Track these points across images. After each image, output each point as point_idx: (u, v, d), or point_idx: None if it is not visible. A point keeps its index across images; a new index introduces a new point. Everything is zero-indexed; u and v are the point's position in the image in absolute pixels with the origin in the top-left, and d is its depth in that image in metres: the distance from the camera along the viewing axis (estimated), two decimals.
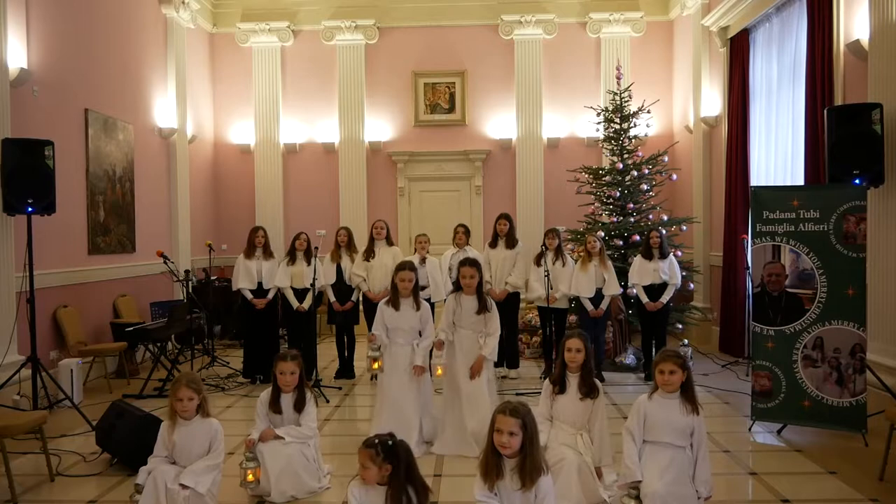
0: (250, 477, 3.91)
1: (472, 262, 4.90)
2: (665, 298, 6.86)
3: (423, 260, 6.80)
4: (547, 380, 4.09)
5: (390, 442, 2.89)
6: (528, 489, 2.88)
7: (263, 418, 4.16)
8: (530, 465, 2.88)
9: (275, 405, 4.14)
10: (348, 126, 10.42)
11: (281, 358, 4.17)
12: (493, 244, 7.12)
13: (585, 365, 3.92)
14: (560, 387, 3.96)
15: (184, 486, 3.53)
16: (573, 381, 3.93)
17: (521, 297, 7.22)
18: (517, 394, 6.26)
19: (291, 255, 7.04)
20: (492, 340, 4.83)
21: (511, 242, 7.04)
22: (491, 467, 2.93)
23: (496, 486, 2.93)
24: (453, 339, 4.91)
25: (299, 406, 4.15)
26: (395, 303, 4.85)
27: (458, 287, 4.97)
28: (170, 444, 3.68)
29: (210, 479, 3.63)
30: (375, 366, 4.81)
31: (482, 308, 4.81)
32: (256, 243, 7.08)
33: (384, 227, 7.10)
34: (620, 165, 8.14)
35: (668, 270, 6.88)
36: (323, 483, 4.15)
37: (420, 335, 4.91)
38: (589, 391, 3.89)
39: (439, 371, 4.86)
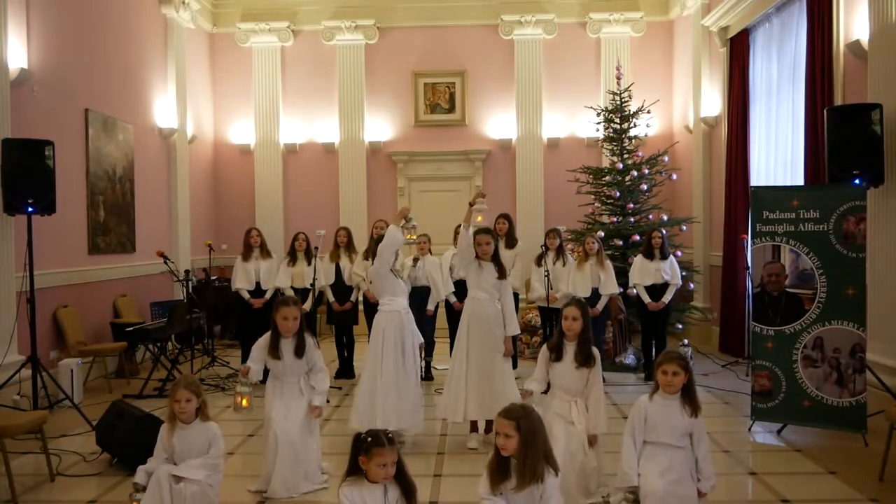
0: (244, 402, 3.95)
1: (486, 230, 5.12)
2: (667, 298, 6.88)
3: (415, 260, 6.79)
4: (545, 346, 4.11)
5: (390, 435, 2.90)
6: (522, 489, 2.89)
7: (259, 362, 4.18)
8: (524, 466, 2.90)
9: (274, 350, 4.16)
10: (348, 126, 10.41)
11: (283, 303, 4.21)
12: None
13: (583, 334, 3.95)
14: (557, 354, 3.98)
15: (177, 479, 3.48)
16: (570, 349, 3.95)
17: (521, 297, 7.22)
18: None
19: (292, 256, 7.06)
20: (508, 310, 5.03)
21: (511, 242, 7.05)
22: (497, 468, 2.95)
23: (502, 486, 2.94)
24: (468, 308, 5.02)
25: (300, 351, 4.17)
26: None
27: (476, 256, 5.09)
28: (169, 447, 3.66)
29: (204, 473, 3.58)
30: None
31: (501, 274, 5.01)
32: (252, 244, 7.10)
33: (385, 226, 7.08)
34: (620, 165, 8.14)
35: (669, 270, 6.89)
36: (320, 479, 4.17)
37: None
38: (585, 360, 3.92)
39: (479, 217, 5.05)
